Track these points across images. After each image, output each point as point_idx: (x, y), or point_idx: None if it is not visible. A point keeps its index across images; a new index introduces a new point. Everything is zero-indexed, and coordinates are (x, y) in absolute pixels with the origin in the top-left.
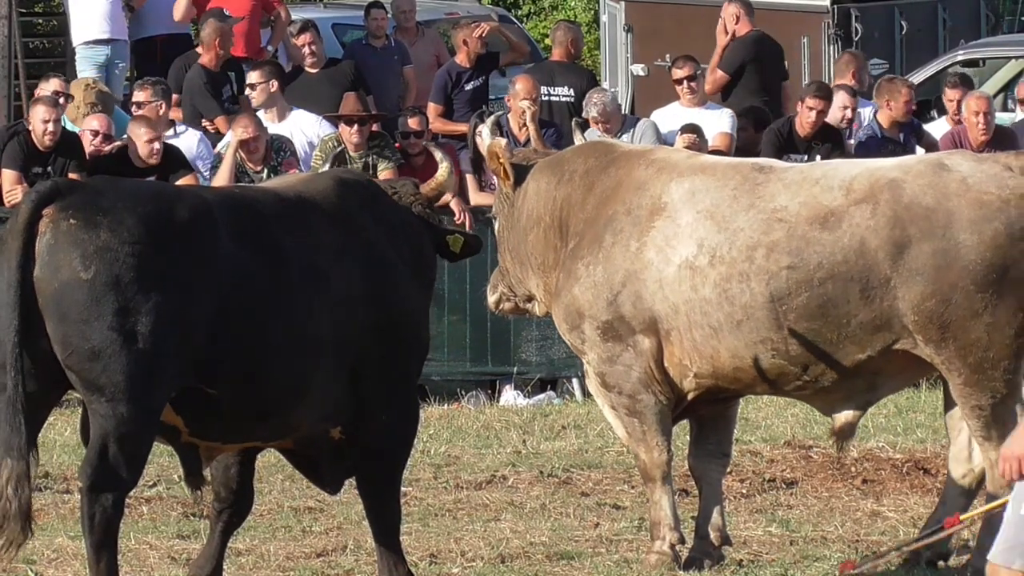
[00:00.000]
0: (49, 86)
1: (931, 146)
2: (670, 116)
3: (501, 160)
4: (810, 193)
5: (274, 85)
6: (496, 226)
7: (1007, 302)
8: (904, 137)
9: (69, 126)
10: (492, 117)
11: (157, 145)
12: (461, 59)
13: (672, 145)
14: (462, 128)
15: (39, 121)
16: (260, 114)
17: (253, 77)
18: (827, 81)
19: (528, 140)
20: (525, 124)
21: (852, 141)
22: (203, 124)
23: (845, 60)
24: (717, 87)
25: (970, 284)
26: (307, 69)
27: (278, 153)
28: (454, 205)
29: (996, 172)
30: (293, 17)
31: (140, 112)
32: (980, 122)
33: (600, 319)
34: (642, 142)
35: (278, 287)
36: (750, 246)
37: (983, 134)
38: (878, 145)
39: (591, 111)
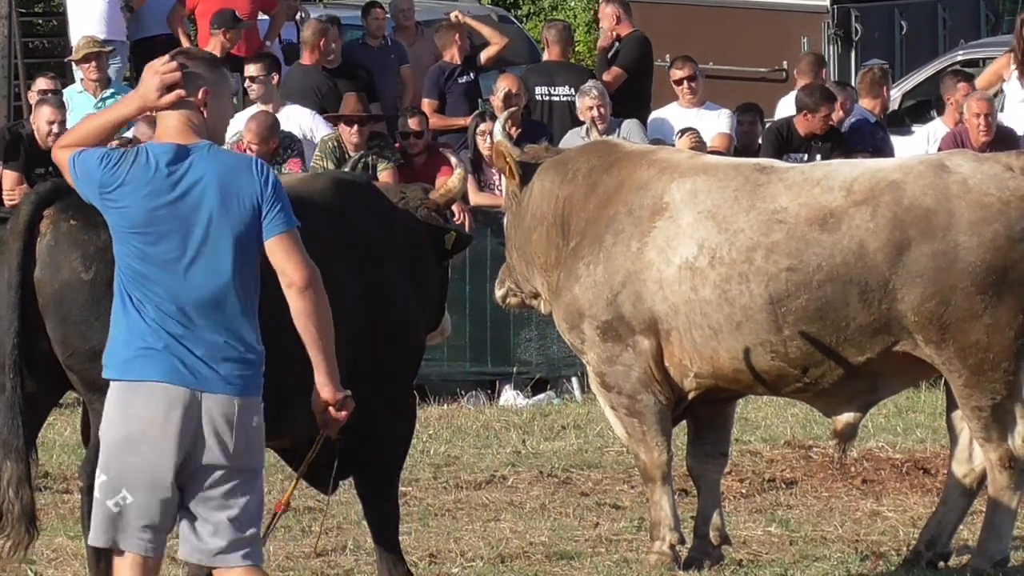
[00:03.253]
0: (37, 86)
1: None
2: (669, 116)
3: (507, 159)
4: (811, 194)
5: (274, 78)
6: (505, 223)
7: (1007, 303)
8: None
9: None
10: (503, 115)
11: None
12: (450, 56)
13: (671, 145)
14: (457, 123)
15: (44, 122)
16: (256, 107)
17: (252, 70)
18: (830, 81)
19: (519, 137)
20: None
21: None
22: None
23: (809, 60)
24: (617, 84)
25: (970, 286)
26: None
27: (285, 151)
28: (454, 206)
29: (997, 173)
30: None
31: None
32: (981, 124)
33: (600, 319)
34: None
35: (275, 286)
36: (750, 247)
37: (984, 135)
38: (871, 129)
39: (593, 91)
